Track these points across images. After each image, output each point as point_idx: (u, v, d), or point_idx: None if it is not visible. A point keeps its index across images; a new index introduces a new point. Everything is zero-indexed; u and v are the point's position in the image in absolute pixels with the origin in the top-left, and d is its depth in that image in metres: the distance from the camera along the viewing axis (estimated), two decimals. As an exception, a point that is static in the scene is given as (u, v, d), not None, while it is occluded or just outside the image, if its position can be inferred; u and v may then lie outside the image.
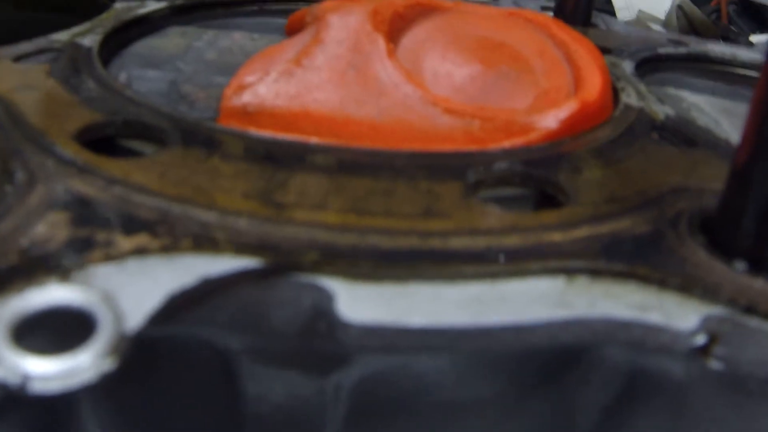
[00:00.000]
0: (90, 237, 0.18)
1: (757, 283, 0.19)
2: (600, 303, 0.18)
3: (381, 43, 0.29)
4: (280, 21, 0.43)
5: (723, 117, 0.37)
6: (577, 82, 0.30)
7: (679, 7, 1.37)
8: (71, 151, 0.22)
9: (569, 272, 0.18)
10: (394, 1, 0.32)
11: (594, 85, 0.29)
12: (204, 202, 0.19)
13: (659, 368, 0.20)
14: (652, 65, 0.42)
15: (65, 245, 0.18)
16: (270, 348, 0.18)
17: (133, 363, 0.17)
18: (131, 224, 0.19)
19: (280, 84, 0.27)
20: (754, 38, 1.56)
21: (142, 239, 0.18)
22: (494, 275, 0.18)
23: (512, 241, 0.19)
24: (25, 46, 0.33)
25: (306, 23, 0.35)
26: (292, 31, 0.39)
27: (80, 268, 0.17)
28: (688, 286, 0.19)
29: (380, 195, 0.20)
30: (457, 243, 0.18)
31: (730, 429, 0.21)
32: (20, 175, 0.21)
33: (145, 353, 0.19)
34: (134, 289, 0.16)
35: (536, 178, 0.23)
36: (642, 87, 0.34)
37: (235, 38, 0.38)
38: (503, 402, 0.21)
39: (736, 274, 0.19)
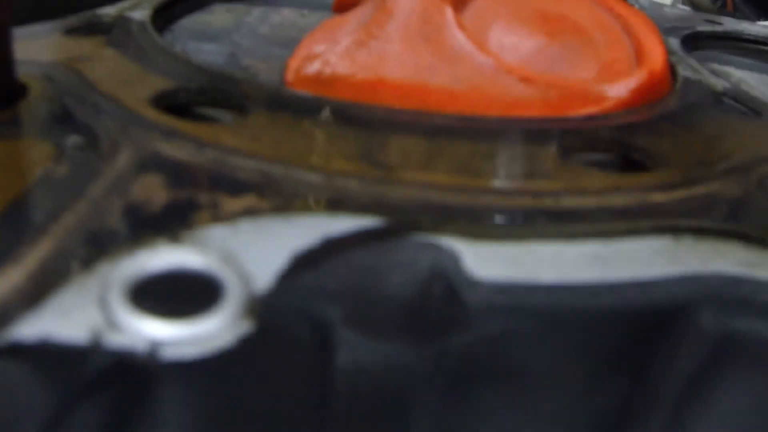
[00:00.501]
0: (192, 199, 0.18)
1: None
2: (711, 260, 0.18)
3: (449, 13, 0.28)
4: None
5: (769, 90, 0.37)
6: (639, 54, 0.30)
7: (686, -6, 1.37)
8: (151, 115, 0.22)
9: (676, 231, 0.18)
10: (456, -24, 0.31)
11: (657, 55, 0.29)
12: (306, 163, 0.19)
13: (756, 330, 0.20)
14: (694, 42, 0.42)
15: (167, 207, 0.18)
16: (377, 315, 0.18)
17: (268, 328, 0.16)
18: (234, 185, 0.18)
19: (353, 53, 0.26)
20: (761, 26, 1.56)
21: (250, 200, 0.18)
22: (607, 234, 0.18)
23: (619, 200, 0.19)
24: (72, 20, 0.32)
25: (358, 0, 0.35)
26: (340, 8, 0.38)
27: (189, 229, 0.16)
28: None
29: (482, 157, 0.20)
30: (569, 202, 0.18)
31: None
32: (103, 142, 0.21)
33: (275, 319, 0.18)
34: (255, 249, 0.16)
35: (624, 143, 0.23)
36: (693, 62, 0.34)
37: (284, 14, 0.37)
38: (601, 368, 0.21)
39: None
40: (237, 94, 0.23)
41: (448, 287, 0.16)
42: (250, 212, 0.17)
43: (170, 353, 0.15)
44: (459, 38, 0.27)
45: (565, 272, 0.16)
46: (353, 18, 0.30)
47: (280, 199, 0.17)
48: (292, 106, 0.22)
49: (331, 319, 0.18)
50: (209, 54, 0.31)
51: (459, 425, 0.21)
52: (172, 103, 0.24)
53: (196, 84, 0.24)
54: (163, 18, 0.35)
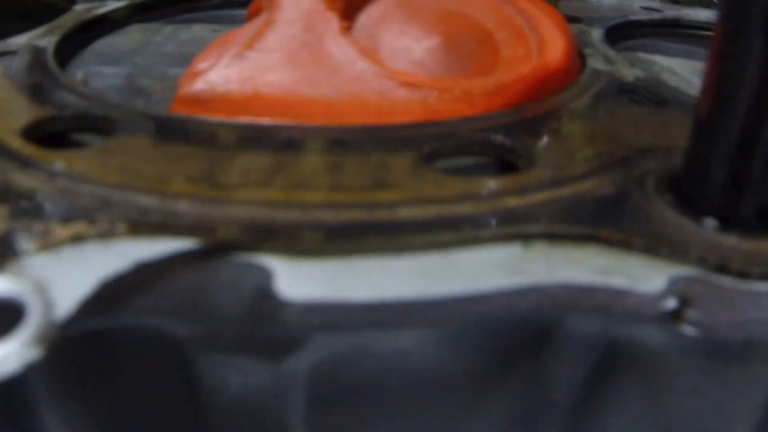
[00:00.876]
0: (27, 228, 0.17)
1: (729, 241, 0.18)
2: (559, 268, 0.17)
3: (334, 21, 0.27)
4: (240, 12, 0.42)
5: (696, 78, 0.36)
6: (540, 49, 0.28)
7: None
8: (16, 145, 0.21)
9: (526, 238, 0.17)
10: (350, -20, 0.30)
11: (556, 48, 0.28)
12: (145, 187, 0.18)
13: (632, 337, 0.19)
14: (624, 32, 0.41)
15: (1, 238, 0.17)
16: (217, 334, 0.17)
17: (72, 353, 0.15)
18: (69, 213, 0.17)
19: (232, 68, 0.26)
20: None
21: (79, 227, 0.17)
22: (444, 245, 0.16)
23: (464, 208, 0.18)
24: (-20, 51, 0.32)
25: (263, 9, 0.34)
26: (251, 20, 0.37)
27: (14, 259, 0.16)
28: (654, 246, 0.17)
29: (327, 170, 0.19)
30: (406, 213, 0.17)
31: (709, 398, 0.20)
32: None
33: (90, 345, 0.17)
34: (66, 276, 0.15)
35: (494, 144, 0.21)
36: (610, 52, 0.33)
37: (194, 31, 0.37)
38: (474, 381, 0.20)
39: (705, 231, 0.18)
40: (104, 119, 0.23)
41: (273, 306, 0.15)
42: (75, 239, 0.16)
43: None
44: (341, 46, 0.26)
45: (382, 289, 0.15)
46: (246, 30, 0.29)
47: (107, 224, 0.16)
48: (150, 129, 0.21)
49: (183, 337, 0.17)
50: (108, 78, 0.30)
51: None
52: (48, 132, 0.24)
53: (70, 111, 0.24)
54: (74, 43, 0.35)
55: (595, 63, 0.31)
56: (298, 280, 0.15)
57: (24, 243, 0.16)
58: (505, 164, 0.22)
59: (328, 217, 0.17)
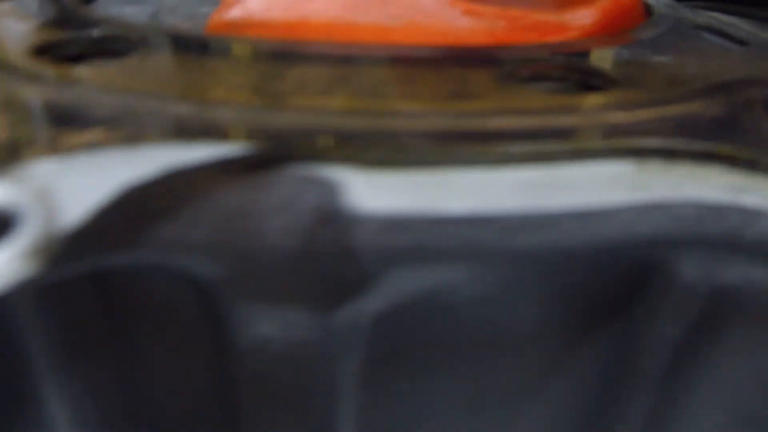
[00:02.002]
0: (31, 136, 0.14)
1: None
2: (684, 185, 0.14)
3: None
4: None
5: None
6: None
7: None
8: (24, 63, 0.18)
9: (641, 154, 0.14)
10: None
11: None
12: (181, 95, 0.15)
13: (754, 280, 0.16)
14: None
15: (7, 143, 0.14)
16: (262, 273, 0.14)
17: (75, 297, 0.12)
18: (84, 121, 0.14)
19: (273, -4, 0.23)
20: None
21: (95, 134, 0.14)
22: (550, 157, 0.13)
23: (566, 121, 0.15)
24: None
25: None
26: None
27: (15, 165, 0.12)
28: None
29: (398, 82, 0.16)
30: (500, 123, 0.14)
31: None
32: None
33: (96, 289, 0.14)
34: (78, 182, 0.12)
35: (581, 68, 0.18)
36: (672, 2, 0.30)
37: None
38: (560, 339, 0.17)
39: None
40: (133, 40, 0.20)
41: (339, 228, 0.12)
42: (92, 145, 0.13)
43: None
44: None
45: (485, 200, 0.12)
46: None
47: (131, 130, 0.13)
48: (188, 46, 0.18)
49: (216, 278, 0.14)
50: (129, 17, 0.27)
51: (394, 414, 0.17)
52: (62, 54, 0.20)
53: (89, 34, 0.21)
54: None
55: (659, 7, 0.28)
56: (376, 193, 0.12)
57: (28, 150, 0.13)
58: (589, 89, 0.19)
59: (407, 125, 0.14)
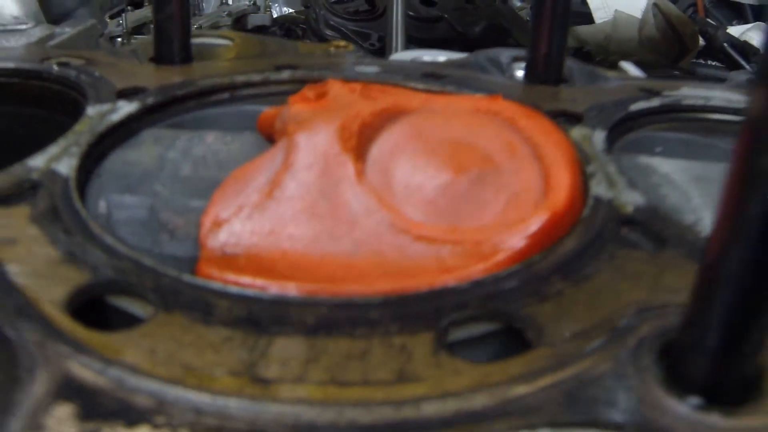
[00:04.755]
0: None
1: (710, 419, 0.22)
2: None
3: (349, 165, 0.31)
4: (251, 109, 0.46)
5: (694, 187, 0.40)
6: (547, 184, 0.32)
7: (655, 5, 1.40)
8: (65, 326, 0.25)
9: (533, 427, 0.21)
10: (361, 110, 0.34)
11: (562, 189, 0.32)
12: (195, 384, 0.22)
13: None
14: (624, 127, 0.45)
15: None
16: None
17: None
18: (130, 414, 0.21)
19: (254, 220, 0.29)
20: (733, 30, 1.59)
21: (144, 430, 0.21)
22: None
23: (479, 400, 0.21)
24: (3, 180, 0.35)
25: (276, 130, 0.38)
26: (262, 130, 0.41)
27: None
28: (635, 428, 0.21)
29: (357, 357, 0.23)
30: (429, 409, 0.21)
31: None
32: (22, 359, 0.23)
33: None
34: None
35: (504, 314, 0.25)
36: (612, 169, 0.37)
37: (208, 142, 0.40)
38: None
39: (689, 411, 0.22)
40: (141, 289, 0.26)
41: None
42: None
43: None
44: (358, 194, 0.30)
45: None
46: (261, 169, 0.33)
47: (169, 430, 0.20)
48: (188, 305, 0.25)
49: None
50: (130, 209, 0.34)
51: None
52: (84, 299, 0.27)
53: (106, 278, 0.27)
54: (91, 159, 0.38)
55: (598, 187, 0.35)
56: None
57: None
58: (513, 330, 0.26)
59: (362, 418, 0.20)
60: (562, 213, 0.31)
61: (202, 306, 0.25)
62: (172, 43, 0.51)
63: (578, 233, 0.31)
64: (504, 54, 0.56)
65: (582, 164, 0.37)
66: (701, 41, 1.56)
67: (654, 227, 0.32)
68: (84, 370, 0.23)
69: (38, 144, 0.39)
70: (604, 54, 1.88)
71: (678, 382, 0.23)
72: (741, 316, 0.22)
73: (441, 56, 0.56)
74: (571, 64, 0.54)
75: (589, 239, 0.30)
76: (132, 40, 1.15)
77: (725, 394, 0.23)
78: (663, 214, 0.33)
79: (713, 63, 1.72)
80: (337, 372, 0.22)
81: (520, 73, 0.54)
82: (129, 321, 0.26)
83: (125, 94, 0.45)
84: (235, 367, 0.23)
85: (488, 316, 0.25)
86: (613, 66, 1.95)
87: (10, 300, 0.26)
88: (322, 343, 0.23)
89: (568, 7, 0.48)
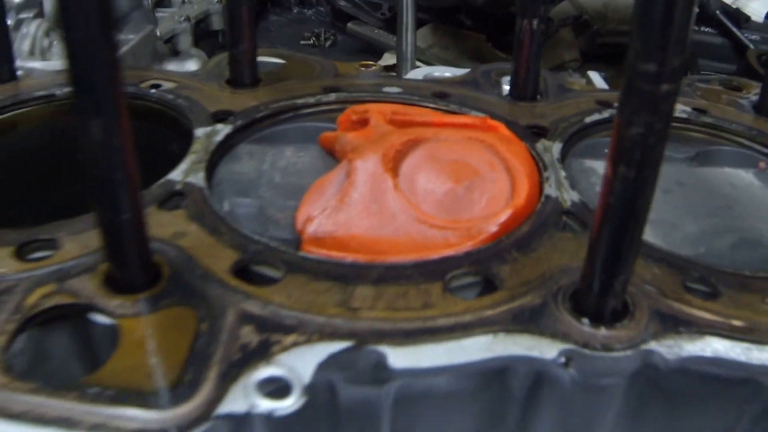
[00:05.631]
0: (269, 338, 0.41)
1: (595, 331, 0.42)
2: (511, 347, 0.41)
3: (389, 181, 0.51)
4: (309, 126, 0.65)
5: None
6: (513, 190, 0.52)
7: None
8: (234, 284, 0.45)
9: (495, 332, 0.42)
10: (394, 142, 0.54)
11: (522, 192, 0.52)
12: (316, 311, 0.42)
13: (547, 374, 0.43)
14: (577, 136, 0.64)
15: (259, 344, 0.41)
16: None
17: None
18: (283, 328, 0.42)
19: (333, 217, 0.49)
20: None
21: (296, 337, 0.41)
22: (458, 336, 0.41)
23: (467, 318, 0.42)
24: (157, 191, 0.54)
25: (336, 150, 0.58)
26: (323, 146, 0.61)
27: (271, 356, 0.40)
28: (554, 335, 0.42)
29: (401, 296, 0.43)
30: (440, 322, 0.41)
31: (581, 414, 0.44)
32: (215, 306, 0.44)
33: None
34: (302, 362, 0.39)
35: (483, 272, 0.46)
36: (562, 174, 0.56)
37: (287, 156, 0.60)
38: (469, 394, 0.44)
39: (582, 326, 0.42)
40: (273, 260, 0.47)
41: (386, 375, 0.40)
42: (295, 344, 0.41)
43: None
44: (395, 199, 0.50)
45: (447, 358, 0.40)
46: (333, 183, 0.53)
47: (307, 335, 0.41)
48: (314, 271, 0.45)
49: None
50: (246, 208, 0.54)
51: None
52: (240, 267, 0.47)
53: (250, 255, 0.47)
54: (210, 172, 0.58)
55: (549, 189, 0.54)
56: (400, 357, 0.39)
57: (272, 347, 0.41)
58: (488, 281, 0.46)
59: (408, 325, 0.41)
60: (521, 209, 0.51)
61: (312, 269, 0.46)
62: (244, 71, 0.70)
63: (531, 221, 0.51)
64: (493, 71, 0.75)
65: (541, 171, 0.56)
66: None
67: (581, 216, 0.52)
68: (253, 307, 0.43)
69: (151, 151, 0.59)
70: (602, 21, 2.03)
71: (578, 311, 0.43)
72: (609, 273, 0.42)
73: (447, 72, 0.75)
74: (545, 75, 0.74)
75: (537, 225, 0.50)
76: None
77: (604, 317, 0.43)
78: (589, 207, 0.53)
79: (706, 30, 1.87)
80: (391, 303, 0.43)
81: (506, 87, 0.73)
82: (267, 280, 0.46)
83: (218, 117, 0.64)
84: (335, 302, 0.43)
85: (473, 273, 0.46)
86: (610, 34, 2.09)
87: (196, 271, 0.46)
88: (382, 288, 0.44)
89: (541, 44, 0.67)
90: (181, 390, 0.37)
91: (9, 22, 1.04)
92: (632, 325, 0.42)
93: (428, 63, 1.74)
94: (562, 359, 0.42)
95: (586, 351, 0.41)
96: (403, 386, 0.41)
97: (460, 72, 0.75)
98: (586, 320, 0.43)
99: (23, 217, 0.69)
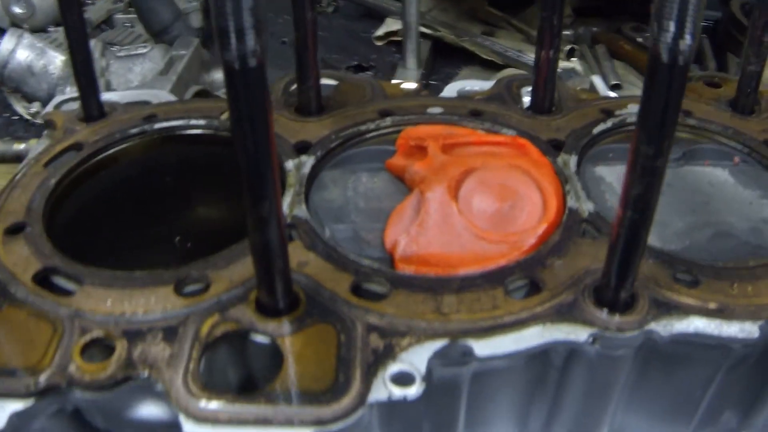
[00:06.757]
0: (390, 342, 0.61)
1: (612, 318, 0.62)
2: (556, 334, 0.62)
3: (454, 207, 0.70)
4: (373, 149, 0.83)
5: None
6: (545, 206, 0.71)
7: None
8: (356, 302, 0.64)
9: (544, 323, 0.62)
10: (453, 174, 0.72)
11: (552, 208, 0.71)
12: (419, 317, 0.62)
13: (579, 350, 0.64)
14: (589, 145, 0.82)
15: (385, 347, 0.61)
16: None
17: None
18: (400, 333, 0.61)
19: (416, 239, 0.69)
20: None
21: (409, 339, 0.61)
22: (519, 329, 0.61)
23: (522, 314, 0.62)
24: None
25: (405, 178, 0.76)
26: (391, 171, 0.80)
27: (395, 356, 0.60)
28: (584, 322, 0.62)
29: (476, 301, 0.63)
30: (505, 318, 0.61)
31: (602, 375, 0.65)
32: (345, 319, 0.63)
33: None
34: (418, 358, 0.60)
35: (530, 277, 0.65)
36: (579, 186, 0.75)
37: (364, 182, 0.78)
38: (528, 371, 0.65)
39: (603, 315, 0.62)
40: (379, 278, 0.66)
41: (469, 359, 0.60)
42: (410, 345, 0.61)
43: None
44: (460, 221, 0.69)
45: (496, 348, 0.60)
46: (410, 208, 0.71)
47: (417, 337, 0.61)
48: (404, 284, 0.65)
49: None
50: (343, 232, 0.73)
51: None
52: (355, 286, 0.67)
53: (361, 276, 0.67)
54: (306, 202, 0.76)
55: (571, 201, 0.73)
56: (483, 347, 0.60)
57: (392, 350, 0.61)
58: (535, 283, 0.66)
59: (484, 324, 0.61)
60: (552, 223, 0.70)
61: (409, 283, 0.65)
62: (312, 103, 0.87)
63: (560, 231, 0.70)
64: (514, 83, 0.92)
65: (563, 185, 0.75)
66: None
67: (596, 224, 0.71)
68: (374, 319, 0.63)
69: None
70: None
71: (599, 302, 0.63)
72: (622, 272, 0.62)
73: (476, 86, 0.92)
74: (559, 87, 0.91)
75: (565, 235, 0.70)
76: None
77: (618, 307, 0.63)
78: (603, 215, 0.72)
79: None
80: (469, 307, 0.63)
81: (527, 99, 0.90)
82: (375, 296, 0.65)
83: (299, 148, 0.82)
84: (431, 309, 0.63)
85: (524, 278, 0.66)
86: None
87: (325, 294, 0.65)
88: (461, 295, 0.64)
89: (555, 68, 0.84)
90: (339, 388, 0.57)
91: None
92: (637, 312, 0.63)
93: (429, 27, 1.88)
94: (591, 339, 0.62)
95: (607, 333, 0.62)
96: (480, 365, 0.62)
97: (487, 85, 0.92)
98: (605, 310, 0.63)
99: (126, 238, 0.87)
